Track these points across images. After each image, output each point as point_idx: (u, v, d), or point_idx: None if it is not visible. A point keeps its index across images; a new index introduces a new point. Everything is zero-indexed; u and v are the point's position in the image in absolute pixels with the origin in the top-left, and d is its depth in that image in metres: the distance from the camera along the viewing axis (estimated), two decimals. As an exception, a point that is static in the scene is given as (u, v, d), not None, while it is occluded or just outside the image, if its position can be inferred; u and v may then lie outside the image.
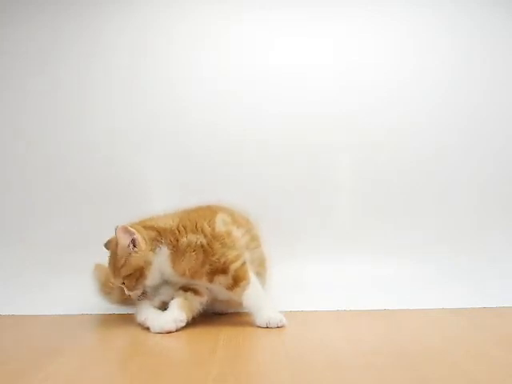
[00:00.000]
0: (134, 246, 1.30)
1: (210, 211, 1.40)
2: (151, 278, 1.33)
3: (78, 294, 1.60)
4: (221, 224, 1.36)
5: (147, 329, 1.30)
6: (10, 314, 1.49)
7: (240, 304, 1.37)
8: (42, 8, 1.96)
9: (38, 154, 1.94)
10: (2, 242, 1.89)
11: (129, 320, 1.42)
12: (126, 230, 1.30)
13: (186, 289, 1.35)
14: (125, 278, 1.32)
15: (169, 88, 1.96)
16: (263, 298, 1.33)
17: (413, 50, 2.00)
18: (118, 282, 1.35)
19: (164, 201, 1.90)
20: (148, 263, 1.31)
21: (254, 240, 1.45)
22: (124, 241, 1.30)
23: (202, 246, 1.31)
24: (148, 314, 1.33)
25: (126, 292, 1.34)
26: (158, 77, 1.97)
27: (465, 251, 1.90)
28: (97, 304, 1.56)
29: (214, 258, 1.31)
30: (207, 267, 1.31)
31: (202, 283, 1.34)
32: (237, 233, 1.38)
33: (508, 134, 2.00)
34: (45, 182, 1.92)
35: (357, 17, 2.00)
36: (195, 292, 1.35)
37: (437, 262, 1.86)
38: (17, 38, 1.97)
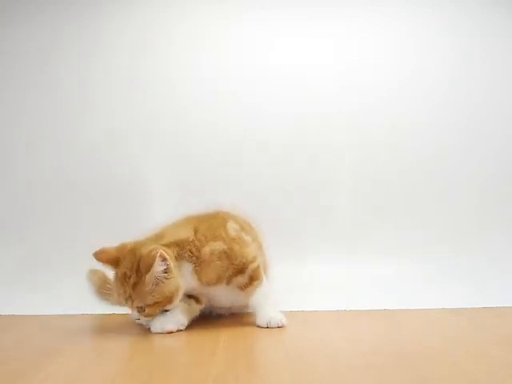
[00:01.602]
0: (165, 272, 1.23)
1: (220, 219, 1.41)
2: (176, 303, 1.28)
3: (78, 294, 1.60)
4: (232, 231, 1.37)
5: (142, 326, 1.31)
6: (10, 314, 1.49)
7: (241, 307, 1.39)
8: (42, 8, 1.96)
9: (38, 154, 1.94)
10: (2, 242, 1.89)
11: (129, 320, 1.43)
12: (164, 257, 1.22)
13: (189, 295, 1.35)
14: (149, 305, 1.24)
15: (169, 88, 1.96)
16: (269, 299, 1.34)
17: (413, 49, 2.00)
18: (133, 306, 1.24)
19: (164, 201, 1.90)
20: (178, 288, 1.26)
21: (259, 248, 1.46)
22: (159, 267, 1.21)
23: (225, 252, 1.31)
24: None
25: (139, 316, 1.26)
26: (158, 77, 1.97)
27: (465, 251, 1.90)
28: (97, 304, 1.56)
29: (236, 262, 1.32)
30: (230, 271, 1.32)
31: (218, 288, 1.34)
32: (247, 238, 1.39)
33: (508, 134, 2.00)
34: (45, 182, 1.92)
35: (357, 17, 2.00)
36: (196, 300, 1.36)
37: (437, 262, 1.86)
38: (17, 38, 1.96)
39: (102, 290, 1.51)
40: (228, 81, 1.97)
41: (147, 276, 1.21)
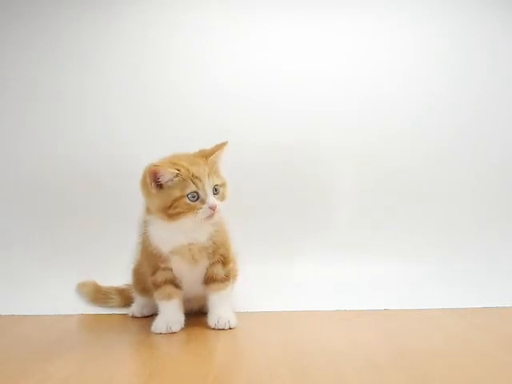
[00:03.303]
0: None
1: None
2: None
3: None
4: None
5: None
6: (10, 314, 1.49)
7: None
8: (42, 8, 1.96)
9: (37, 154, 1.93)
10: (2, 242, 1.89)
11: (129, 320, 1.43)
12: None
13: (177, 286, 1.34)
14: (222, 184, 1.32)
15: (170, 88, 1.96)
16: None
17: (413, 49, 2.00)
18: (214, 181, 1.29)
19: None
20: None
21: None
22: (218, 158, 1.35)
23: None
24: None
25: (215, 200, 1.26)
26: (158, 77, 1.96)
27: (465, 251, 1.90)
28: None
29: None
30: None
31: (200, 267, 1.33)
32: None
33: (508, 135, 2.00)
34: (45, 182, 1.92)
35: (359, 18, 1.99)
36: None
37: (437, 262, 1.86)
38: (17, 39, 1.96)
39: (96, 299, 1.57)
40: (229, 82, 1.96)
41: (212, 159, 1.31)
